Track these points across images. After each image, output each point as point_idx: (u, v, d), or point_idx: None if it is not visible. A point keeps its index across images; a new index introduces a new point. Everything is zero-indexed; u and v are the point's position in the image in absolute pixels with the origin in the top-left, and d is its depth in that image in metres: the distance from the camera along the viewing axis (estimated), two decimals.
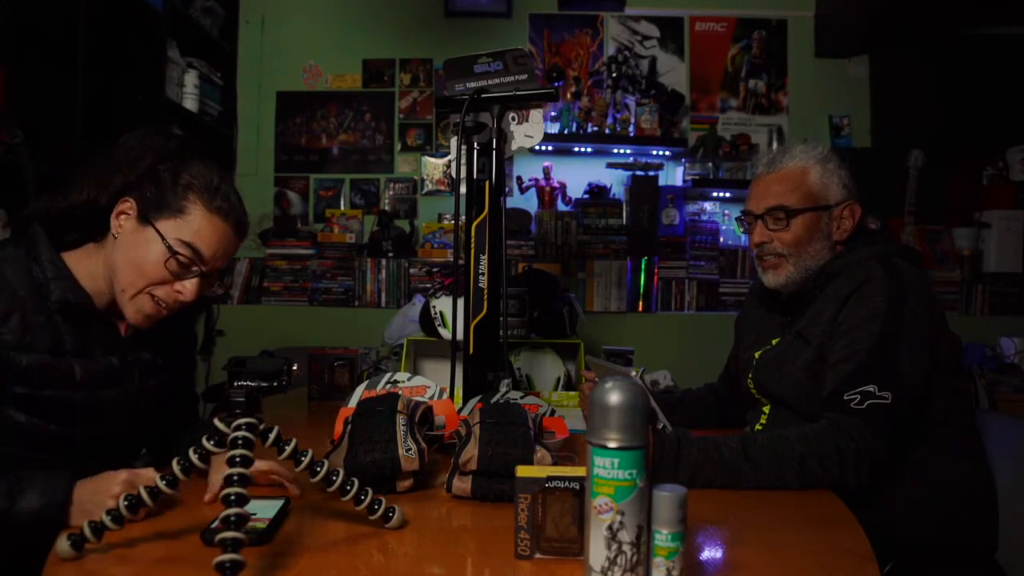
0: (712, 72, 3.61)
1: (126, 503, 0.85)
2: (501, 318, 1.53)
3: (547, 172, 3.46)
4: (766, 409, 1.50)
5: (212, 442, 0.85)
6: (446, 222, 3.50)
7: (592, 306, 3.31)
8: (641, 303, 3.37)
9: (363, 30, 3.60)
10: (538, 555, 0.84)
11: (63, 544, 0.83)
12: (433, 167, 3.58)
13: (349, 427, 1.11)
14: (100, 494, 0.93)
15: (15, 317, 1.06)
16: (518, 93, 1.53)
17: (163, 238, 1.11)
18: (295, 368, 0.96)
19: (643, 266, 3.36)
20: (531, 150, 3.33)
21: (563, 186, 3.47)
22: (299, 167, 3.61)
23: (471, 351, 1.53)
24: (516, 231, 3.34)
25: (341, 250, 3.39)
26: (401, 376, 1.40)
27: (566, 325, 2.10)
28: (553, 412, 1.33)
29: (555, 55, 3.58)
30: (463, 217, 1.58)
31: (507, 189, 2.86)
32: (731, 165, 3.45)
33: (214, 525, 0.87)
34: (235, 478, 0.80)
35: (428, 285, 3.19)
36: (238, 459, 0.81)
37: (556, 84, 3.45)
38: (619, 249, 3.37)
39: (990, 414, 1.79)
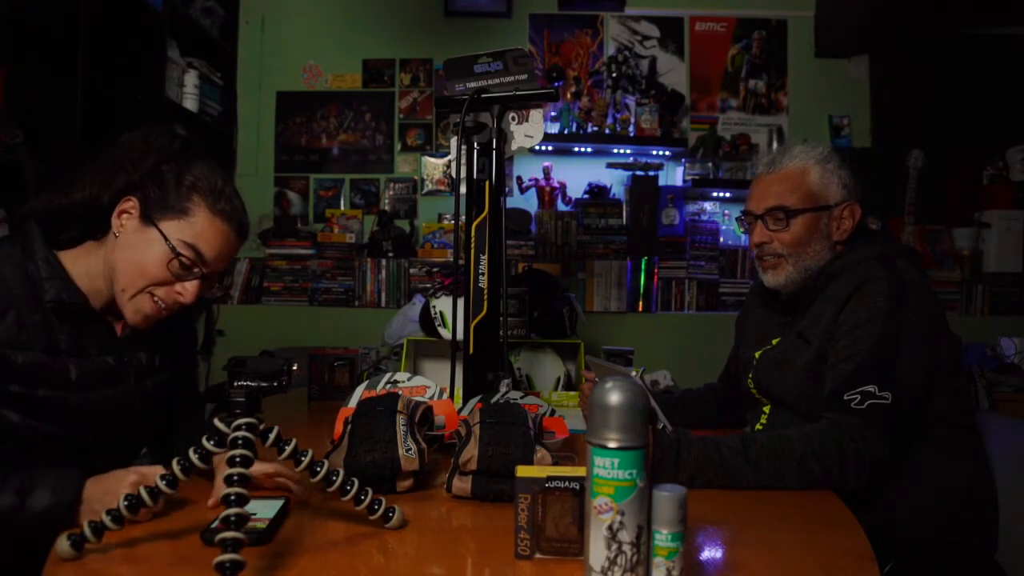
0: (712, 72, 3.61)
1: (126, 503, 0.85)
2: (501, 318, 1.53)
3: (547, 172, 3.46)
4: (766, 409, 1.50)
5: (212, 442, 0.85)
6: (446, 222, 3.50)
7: (592, 306, 3.31)
8: (641, 303, 3.37)
9: (363, 30, 3.60)
10: (538, 555, 0.84)
11: (63, 544, 0.83)
12: (433, 167, 3.58)
13: (349, 427, 1.11)
14: (110, 493, 0.93)
15: (10, 315, 1.06)
16: (518, 93, 1.53)
17: (166, 239, 1.11)
18: (295, 368, 0.96)
19: (643, 266, 3.36)
20: (531, 150, 3.33)
21: (563, 186, 3.47)
22: (299, 167, 3.61)
23: (471, 351, 1.53)
24: (516, 231, 3.34)
25: (341, 250, 3.39)
26: (401, 376, 1.40)
27: (566, 325, 2.10)
28: (553, 412, 1.33)
29: (555, 55, 3.58)
30: (463, 217, 1.58)
31: (507, 189, 2.86)
32: (731, 165, 3.45)
33: (214, 525, 0.87)
34: (235, 478, 0.80)
35: (428, 285, 3.19)
36: (238, 459, 0.81)
37: (556, 84, 3.45)
38: (619, 249, 3.37)
39: (990, 414, 1.78)
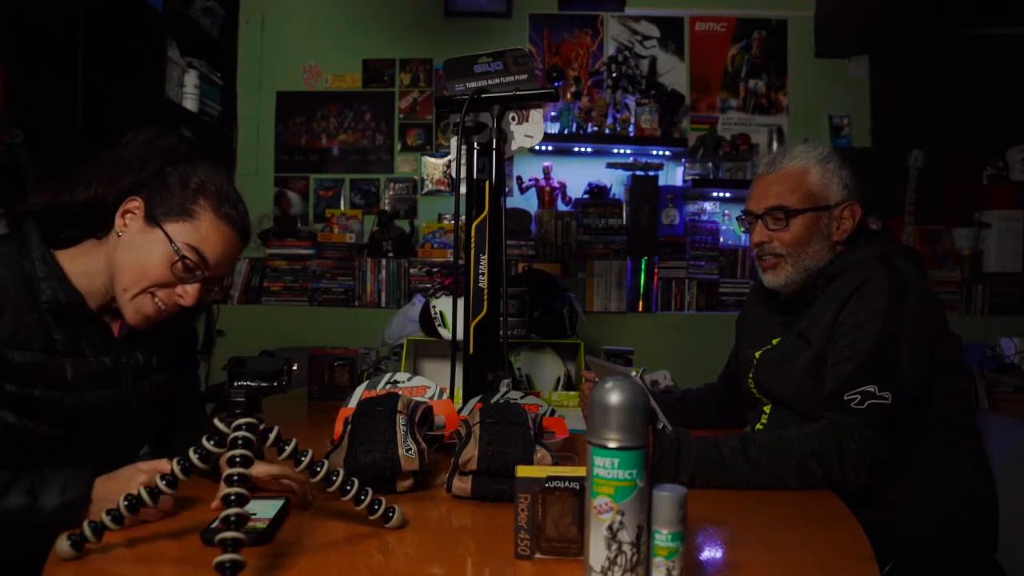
0: (712, 72, 3.61)
1: (126, 503, 0.85)
2: (501, 318, 1.53)
3: (547, 172, 3.46)
4: (767, 409, 1.50)
5: (212, 442, 0.85)
6: (446, 222, 3.50)
7: (592, 306, 3.31)
8: (641, 303, 3.37)
9: (363, 30, 3.60)
10: (538, 555, 0.84)
11: (63, 544, 0.83)
12: (433, 167, 3.58)
13: (349, 427, 1.11)
14: (120, 493, 0.93)
15: (7, 314, 1.05)
16: (518, 93, 1.53)
17: (171, 240, 1.10)
18: (295, 368, 0.96)
19: (643, 266, 3.36)
20: (531, 150, 3.33)
21: (563, 186, 3.47)
22: (299, 167, 3.61)
23: (471, 351, 1.53)
24: (516, 231, 3.34)
25: (341, 250, 3.39)
26: (401, 376, 1.40)
27: (566, 325, 2.10)
28: (553, 412, 1.33)
29: (555, 55, 3.58)
30: (463, 217, 1.58)
31: (507, 189, 2.86)
32: (731, 165, 3.45)
33: (214, 525, 0.87)
34: (235, 478, 0.80)
35: (428, 285, 3.19)
36: (238, 459, 0.81)
37: (556, 84, 3.45)
38: (619, 249, 3.37)
39: (990, 414, 1.78)
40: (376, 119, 3.60)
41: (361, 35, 3.60)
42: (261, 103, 3.60)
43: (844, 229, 1.46)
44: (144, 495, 0.86)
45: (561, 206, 3.46)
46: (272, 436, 0.87)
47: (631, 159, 3.47)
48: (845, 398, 1.24)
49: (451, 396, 1.47)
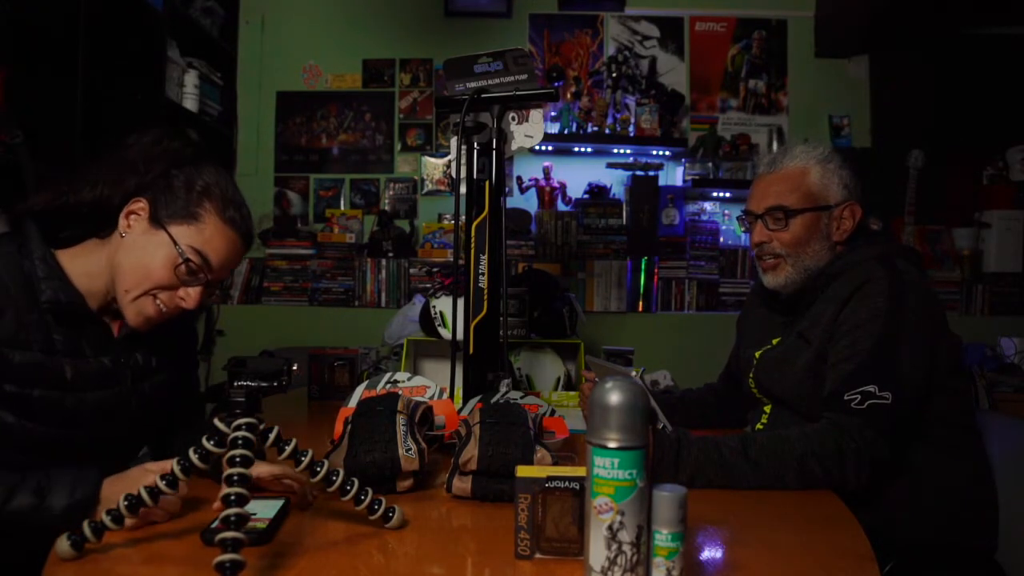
0: (712, 72, 3.61)
1: (126, 503, 0.85)
2: (501, 318, 1.53)
3: (547, 172, 3.46)
4: (767, 409, 1.50)
5: (212, 442, 0.85)
6: (446, 222, 3.50)
7: (592, 306, 3.32)
8: (641, 303, 3.37)
9: (363, 30, 3.60)
10: (538, 555, 0.84)
11: (63, 544, 0.83)
12: (433, 167, 3.58)
13: (349, 427, 1.11)
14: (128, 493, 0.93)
15: (8, 314, 1.05)
16: (518, 93, 1.53)
17: (175, 243, 1.10)
18: (295, 368, 0.96)
19: (643, 266, 3.36)
20: (531, 150, 3.33)
21: (563, 186, 3.47)
22: (299, 167, 3.61)
23: (471, 351, 1.53)
24: (516, 231, 3.34)
25: (341, 250, 3.39)
26: (401, 376, 1.40)
27: (566, 325, 2.10)
28: (553, 412, 1.33)
29: (555, 55, 3.58)
30: (463, 217, 1.58)
31: (507, 189, 2.86)
32: (731, 165, 3.45)
33: (214, 525, 0.87)
34: (235, 478, 0.80)
35: (428, 285, 3.19)
36: (238, 459, 0.81)
37: (556, 84, 3.45)
38: (619, 249, 3.37)
39: (990, 414, 1.78)
40: (376, 119, 3.60)
41: (361, 35, 3.60)
42: (261, 103, 3.60)
43: (844, 229, 1.46)
44: (144, 495, 0.86)
45: (561, 206, 3.46)
46: (272, 436, 0.87)
47: (631, 159, 3.47)
48: (845, 398, 1.24)
49: (451, 396, 1.47)
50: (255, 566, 0.81)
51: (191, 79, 3.11)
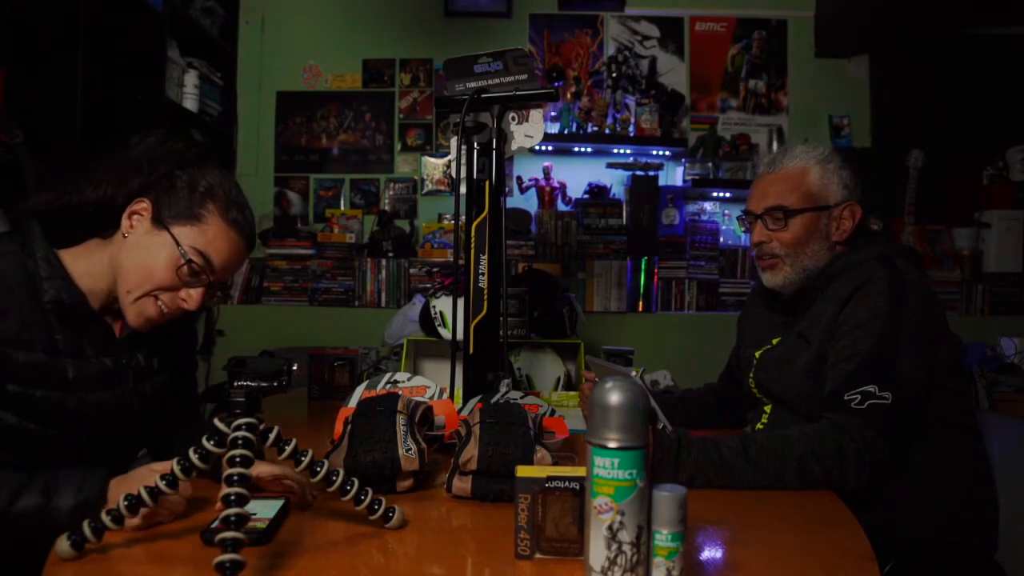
0: (712, 72, 3.61)
1: (126, 503, 0.85)
2: (501, 318, 1.53)
3: (547, 172, 3.46)
4: (767, 409, 1.50)
5: (212, 442, 0.85)
6: (446, 222, 3.50)
7: (592, 306, 3.31)
8: (641, 303, 3.37)
9: (363, 30, 3.60)
10: (538, 555, 0.84)
11: (63, 544, 0.83)
12: (433, 167, 3.58)
13: (349, 427, 1.11)
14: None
15: (12, 314, 1.05)
16: (518, 93, 1.53)
17: (178, 243, 1.10)
18: (295, 368, 0.96)
19: (643, 266, 3.36)
20: (531, 150, 3.33)
21: (563, 186, 3.47)
22: (299, 167, 3.61)
23: (471, 351, 1.53)
24: (516, 231, 3.34)
25: (341, 250, 3.39)
26: (401, 376, 1.40)
27: (566, 325, 2.10)
28: (553, 412, 1.33)
29: (555, 55, 3.58)
30: (463, 217, 1.58)
31: (507, 189, 2.86)
32: (731, 165, 3.45)
33: (214, 525, 0.87)
34: (235, 478, 0.80)
35: (428, 285, 3.19)
36: (238, 459, 0.81)
37: (556, 84, 3.45)
38: (619, 249, 3.37)
39: (990, 414, 1.78)
40: (376, 119, 3.60)
41: (361, 35, 3.60)
42: (261, 103, 3.60)
43: (844, 229, 1.46)
44: (144, 495, 0.86)
45: (561, 206, 3.46)
46: (272, 436, 0.87)
47: (631, 159, 3.47)
48: (845, 398, 1.24)
49: (451, 396, 1.47)
50: (255, 566, 0.81)
51: (191, 79, 3.11)
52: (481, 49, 1.58)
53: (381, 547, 0.90)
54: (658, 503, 0.75)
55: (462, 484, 1.06)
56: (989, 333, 3.17)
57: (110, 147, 1.17)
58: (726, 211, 3.55)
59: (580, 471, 0.82)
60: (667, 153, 3.48)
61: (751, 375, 1.52)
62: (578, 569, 0.80)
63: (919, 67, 3.53)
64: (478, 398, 1.34)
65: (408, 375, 1.41)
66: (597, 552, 0.75)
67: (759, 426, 1.50)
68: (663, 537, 0.75)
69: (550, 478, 0.84)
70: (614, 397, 0.75)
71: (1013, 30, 3.49)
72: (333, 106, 3.60)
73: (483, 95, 1.53)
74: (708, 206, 3.54)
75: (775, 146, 3.50)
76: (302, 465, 0.90)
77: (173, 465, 0.86)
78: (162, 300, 1.12)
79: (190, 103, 3.11)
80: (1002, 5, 3.28)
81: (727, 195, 3.52)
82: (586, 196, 3.45)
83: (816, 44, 3.58)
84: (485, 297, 1.52)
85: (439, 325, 1.98)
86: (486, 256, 1.52)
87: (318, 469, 0.90)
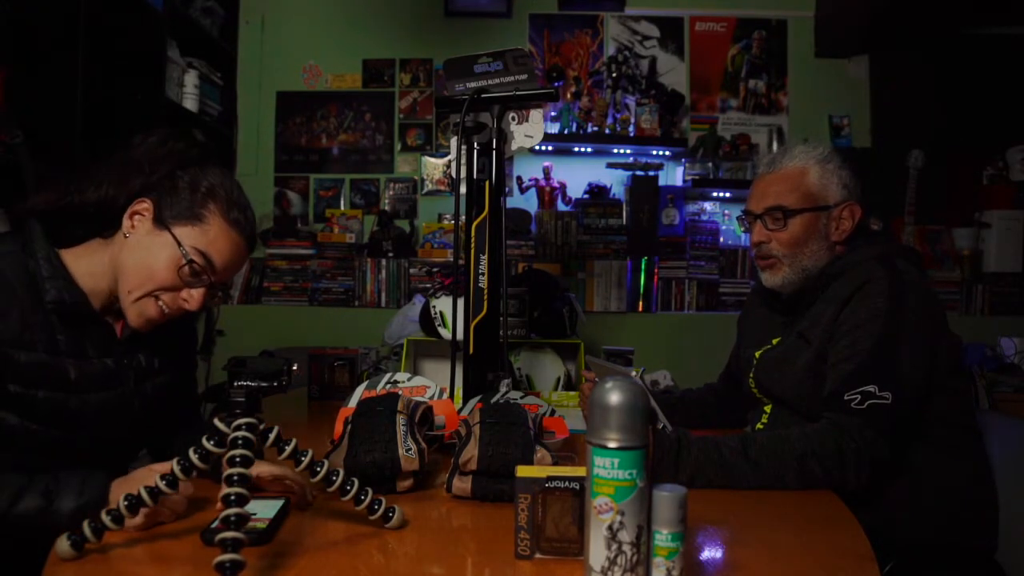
0: (712, 72, 3.61)
1: (126, 503, 0.85)
2: (501, 318, 1.53)
3: (547, 172, 3.46)
4: (767, 409, 1.50)
5: (212, 442, 0.85)
6: (446, 222, 3.50)
7: (592, 306, 3.31)
8: (641, 303, 3.37)
9: (363, 30, 3.60)
10: (538, 555, 0.84)
11: (63, 544, 0.83)
12: (433, 167, 3.58)
13: (349, 427, 1.11)
14: None
15: (14, 314, 1.05)
16: (518, 93, 1.53)
17: (179, 244, 1.10)
18: (295, 368, 0.96)
19: (643, 266, 3.36)
20: (531, 150, 3.33)
21: (563, 186, 3.47)
22: (299, 167, 3.61)
23: (471, 351, 1.53)
24: (516, 231, 3.34)
25: (341, 250, 3.39)
26: (401, 376, 1.40)
27: (566, 325, 2.10)
28: (553, 412, 1.33)
29: (555, 55, 3.58)
30: (463, 217, 1.58)
31: (507, 189, 2.86)
32: (731, 165, 3.45)
33: (214, 525, 0.87)
34: (235, 478, 0.80)
35: (428, 285, 3.19)
36: (238, 459, 0.81)
37: (556, 84, 3.45)
38: (619, 249, 3.37)
39: (990, 414, 1.78)
40: (376, 119, 3.60)
41: (361, 35, 3.60)
42: (261, 103, 3.60)
43: (843, 229, 1.46)
44: (144, 495, 0.86)
45: (561, 206, 3.46)
46: (272, 436, 0.87)
47: (631, 159, 3.47)
48: (845, 398, 1.24)
49: (451, 396, 1.47)
50: (255, 566, 0.81)
51: (191, 79, 3.11)
52: (481, 49, 1.58)
53: (381, 547, 0.90)
54: (658, 503, 0.75)
55: (462, 484, 1.06)
56: (989, 333, 3.17)
57: (110, 147, 1.17)
58: (726, 211, 3.55)
59: (580, 471, 0.82)
60: (667, 153, 3.48)
61: (751, 375, 1.52)
62: (578, 569, 0.80)
63: (919, 67, 3.53)
64: (478, 398, 1.34)
65: (408, 375, 1.41)
66: (597, 552, 0.75)
67: (759, 426, 1.50)
68: (663, 537, 0.75)
69: (550, 478, 0.84)
70: (614, 397, 0.75)
71: (1013, 30, 3.49)
72: (333, 106, 3.60)
73: (483, 95, 1.53)
74: (708, 206, 3.54)
75: (775, 146, 3.50)
76: (302, 465, 0.90)
77: (173, 465, 0.86)
78: (163, 300, 1.12)
79: (190, 103, 3.11)
80: (1002, 5, 3.28)
81: (727, 195, 3.52)
82: (586, 196, 3.45)
83: (816, 44, 3.58)
84: (485, 297, 1.52)
85: (439, 325, 1.98)
86: (486, 256, 1.52)
87: (318, 469, 0.90)
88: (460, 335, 1.57)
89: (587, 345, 2.09)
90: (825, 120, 3.56)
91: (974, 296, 3.38)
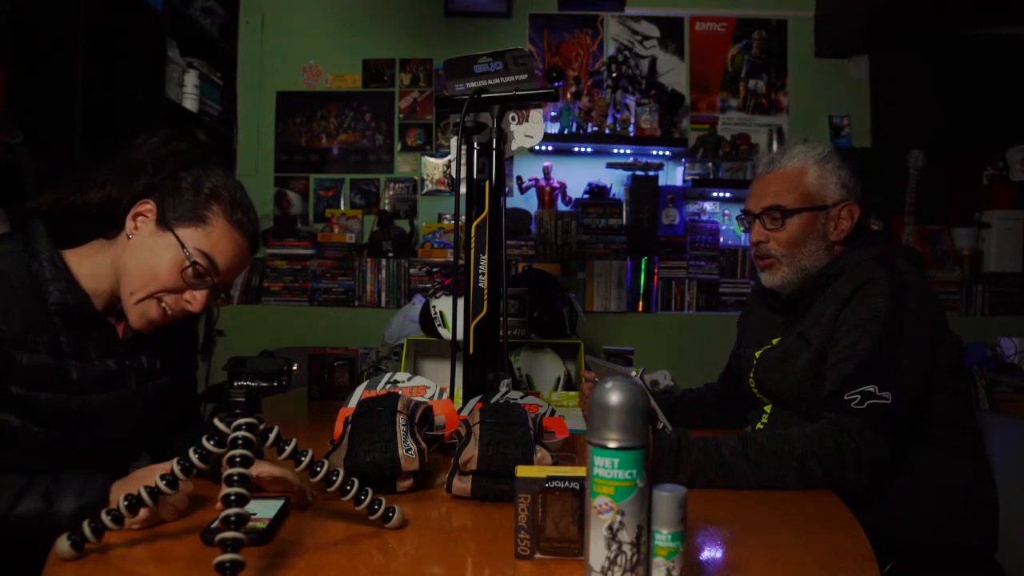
0: (712, 72, 3.61)
1: (126, 503, 0.85)
2: (501, 318, 1.53)
3: (547, 172, 3.46)
4: (767, 409, 1.50)
5: (212, 442, 0.85)
6: (446, 222, 3.50)
7: (592, 306, 3.31)
8: (641, 303, 3.37)
9: (363, 30, 3.60)
10: (538, 555, 0.84)
11: (63, 544, 0.83)
12: (433, 167, 3.58)
13: (349, 427, 1.11)
14: None
15: (16, 315, 1.04)
16: (518, 93, 1.53)
17: (183, 246, 1.09)
18: (295, 368, 0.96)
19: (643, 266, 3.36)
20: (531, 150, 3.33)
21: (563, 186, 3.47)
22: (299, 167, 3.61)
23: (471, 351, 1.53)
24: (516, 231, 3.34)
25: (341, 250, 3.39)
26: (401, 376, 1.40)
27: (566, 325, 2.10)
28: (553, 412, 1.33)
29: (555, 55, 3.58)
30: (463, 217, 1.58)
31: (507, 189, 2.86)
32: (731, 165, 3.45)
33: (214, 525, 0.87)
34: (235, 478, 0.80)
35: (428, 285, 3.19)
36: (238, 459, 0.81)
37: (556, 84, 3.45)
38: (619, 249, 3.37)
39: (990, 414, 1.78)
40: (376, 119, 3.60)
41: (361, 35, 3.60)
42: (261, 103, 3.60)
43: (842, 229, 1.46)
44: (144, 495, 0.86)
45: (561, 206, 3.46)
46: (272, 436, 0.87)
47: (631, 159, 3.47)
48: (845, 398, 1.24)
49: (451, 396, 1.47)
50: (255, 566, 0.81)
51: (191, 79, 3.11)
52: (481, 49, 1.58)
53: (381, 547, 0.90)
54: (658, 503, 0.75)
55: (462, 484, 1.06)
56: (989, 333, 3.17)
57: (110, 147, 1.17)
58: (726, 211, 3.55)
59: (580, 471, 0.82)
60: (667, 153, 3.47)
61: (751, 375, 1.52)
62: (578, 569, 0.80)
63: (919, 67, 3.53)
64: (478, 398, 1.34)
65: (408, 375, 1.41)
66: (597, 552, 0.75)
67: (759, 426, 1.50)
68: (663, 537, 0.75)
69: (550, 478, 0.84)
70: (614, 397, 0.75)
71: (1013, 30, 3.49)
72: (333, 106, 3.60)
73: (483, 95, 1.53)
74: (708, 206, 3.54)
75: (775, 146, 3.50)
76: (302, 465, 0.90)
77: (173, 465, 0.86)
78: (166, 302, 1.12)
79: (190, 103, 3.11)
80: (1002, 5, 3.28)
81: (727, 195, 3.52)
82: (586, 196, 3.45)
83: (816, 44, 3.58)
84: (485, 297, 1.52)
85: (439, 325, 1.98)
86: (486, 256, 1.52)
87: (318, 469, 0.90)
88: (460, 335, 1.57)
89: (587, 345, 2.09)
90: (825, 120, 3.56)
91: (974, 296, 3.38)
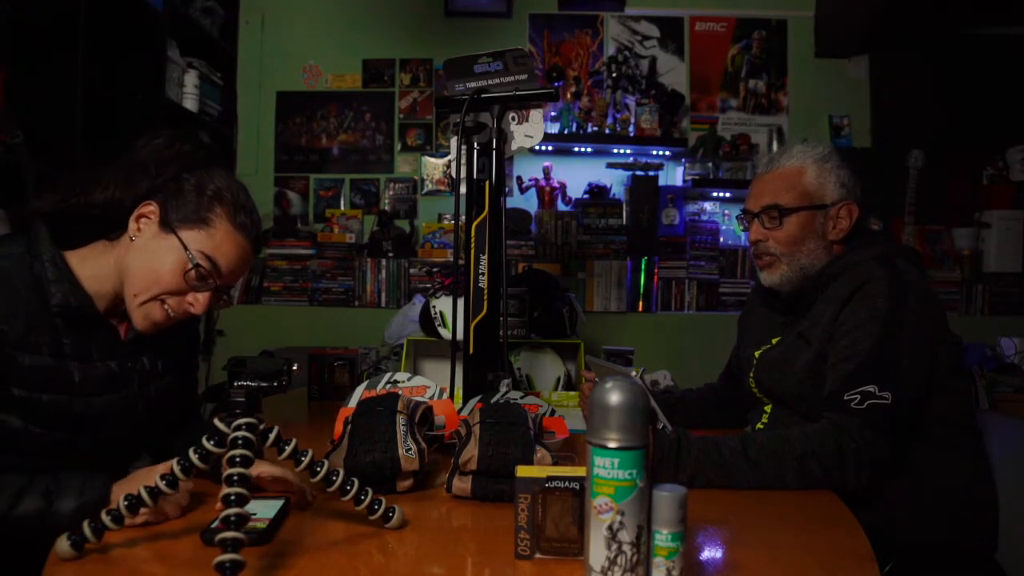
0: (712, 72, 3.61)
1: (126, 503, 0.85)
2: (501, 318, 1.53)
3: (547, 172, 3.46)
4: (767, 409, 1.50)
5: (212, 442, 0.85)
6: (446, 222, 3.50)
7: (592, 306, 3.31)
8: (641, 303, 3.37)
9: (363, 30, 3.60)
10: (538, 555, 0.84)
11: (63, 544, 0.83)
12: (433, 167, 3.58)
13: (349, 427, 1.11)
14: None
15: (19, 316, 1.04)
16: (518, 93, 1.53)
17: (186, 248, 1.09)
18: (295, 368, 0.96)
19: (643, 266, 3.36)
20: (531, 150, 3.33)
21: (563, 186, 3.47)
22: (299, 167, 3.61)
23: (471, 351, 1.53)
24: (516, 231, 3.34)
25: (341, 250, 3.39)
26: (401, 376, 1.40)
27: (566, 325, 2.10)
28: (553, 412, 1.33)
29: (555, 55, 3.58)
30: (463, 217, 1.58)
31: (507, 189, 2.86)
32: (731, 165, 3.45)
33: (214, 525, 0.87)
34: (235, 478, 0.80)
35: (428, 285, 3.19)
36: (238, 459, 0.81)
37: (556, 84, 3.45)
38: (619, 249, 3.37)
39: (990, 414, 1.78)
40: (376, 119, 3.60)
41: (361, 35, 3.60)
42: (261, 103, 3.60)
43: (840, 228, 1.46)
44: (144, 495, 0.86)
45: (561, 206, 3.46)
46: (272, 436, 0.87)
47: (631, 159, 3.47)
48: (845, 398, 1.24)
49: (451, 396, 1.47)
50: (255, 566, 0.81)
51: (191, 79, 3.11)
52: (481, 49, 1.58)
53: (381, 547, 0.90)
54: (658, 503, 0.75)
55: (462, 484, 1.06)
56: (989, 333, 3.17)
57: (110, 147, 1.16)
58: (726, 211, 3.55)
59: (580, 471, 0.82)
60: (667, 153, 3.47)
61: (751, 375, 1.52)
62: (578, 569, 0.80)
63: (919, 67, 3.53)
64: (478, 398, 1.34)
65: (408, 375, 1.41)
66: (597, 552, 0.75)
67: (759, 426, 1.50)
68: (663, 537, 0.75)
69: (550, 478, 0.84)
70: (614, 397, 0.75)
71: (1013, 30, 3.49)
72: (333, 106, 3.60)
73: (483, 95, 1.53)
74: (708, 206, 3.54)
75: (775, 146, 3.51)
76: (302, 465, 0.90)
77: (173, 465, 0.86)
78: (169, 304, 1.12)
79: (190, 103, 3.11)
80: (1002, 5, 3.28)
81: (727, 195, 3.52)
82: (586, 196, 3.45)
83: (816, 44, 3.58)
84: (485, 297, 1.52)
85: (439, 325, 1.98)
86: (486, 256, 1.52)
87: (318, 469, 0.90)
88: (460, 335, 1.57)
89: (587, 345, 2.09)
90: (825, 120, 3.56)
91: (974, 296, 3.38)
